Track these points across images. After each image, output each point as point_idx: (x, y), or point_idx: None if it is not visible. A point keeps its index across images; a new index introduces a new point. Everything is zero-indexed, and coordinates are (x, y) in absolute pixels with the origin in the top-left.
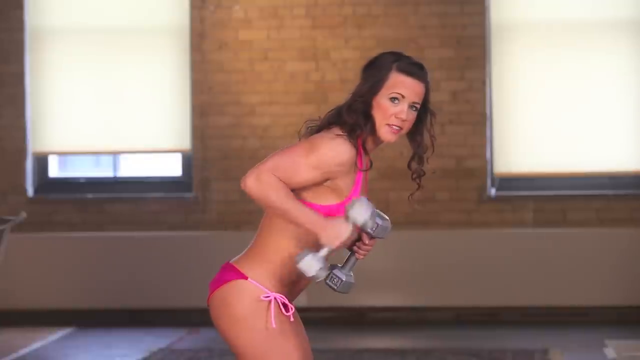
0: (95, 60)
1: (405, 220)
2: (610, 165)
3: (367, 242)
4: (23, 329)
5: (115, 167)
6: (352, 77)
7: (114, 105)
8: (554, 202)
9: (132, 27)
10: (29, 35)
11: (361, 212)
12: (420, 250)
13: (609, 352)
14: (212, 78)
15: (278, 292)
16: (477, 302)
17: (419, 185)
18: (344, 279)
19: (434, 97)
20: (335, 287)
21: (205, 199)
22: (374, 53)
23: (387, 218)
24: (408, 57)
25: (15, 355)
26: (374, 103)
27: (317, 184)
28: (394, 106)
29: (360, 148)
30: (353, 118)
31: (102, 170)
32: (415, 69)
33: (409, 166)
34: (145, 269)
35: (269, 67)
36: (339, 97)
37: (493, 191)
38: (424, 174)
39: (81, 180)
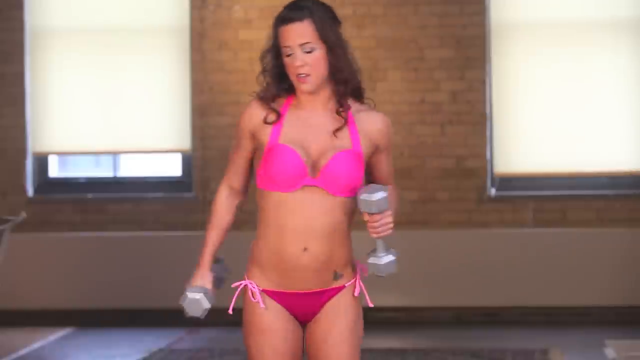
0: (95, 60)
1: (405, 220)
2: (610, 165)
3: (366, 219)
4: (23, 329)
5: (115, 167)
6: None
7: (114, 105)
8: (554, 202)
9: (132, 27)
10: (29, 35)
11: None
12: (420, 250)
13: (609, 352)
14: (212, 78)
15: (266, 279)
16: (477, 302)
17: (343, 118)
18: (381, 263)
19: (434, 97)
20: (381, 274)
21: (205, 199)
22: (374, 53)
23: (372, 192)
24: (286, 6)
25: (15, 355)
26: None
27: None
28: (291, 59)
29: (286, 104)
30: (262, 82)
31: (102, 170)
32: (289, 14)
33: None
34: (145, 269)
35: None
36: None
37: (493, 191)
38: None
39: (81, 180)
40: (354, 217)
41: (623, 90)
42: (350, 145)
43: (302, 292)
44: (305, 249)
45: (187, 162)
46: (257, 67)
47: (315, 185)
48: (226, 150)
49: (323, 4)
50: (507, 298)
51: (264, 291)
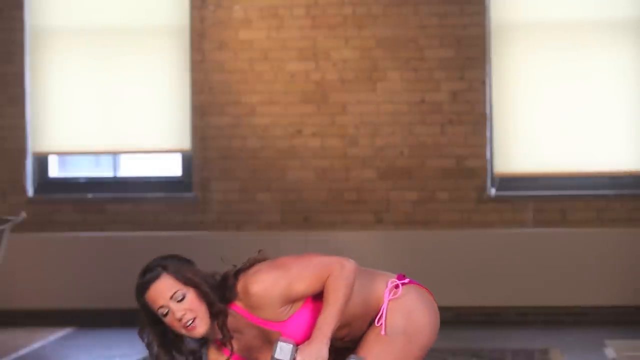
0: (95, 60)
1: (405, 220)
2: (610, 165)
3: None
4: (23, 329)
5: (115, 167)
6: (352, 77)
7: (114, 105)
8: (554, 202)
9: (132, 27)
10: (29, 35)
11: None
12: (420, 250)
13: (609, 352)
14: (212, 78)
15: None
16: (477, 302)
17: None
18: None
19: (434, 97)
20: None
21: (205, 199)
22: (374, 53)
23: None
24: (139, 276)
25: (15, 355)
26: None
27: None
28: (170, 317)
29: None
30: None
31: (102, 170)
32: (144, 279)
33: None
34: None
35: (269, 67)
36: (339, 97)
37: (493, 191)
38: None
39: (81, 180)
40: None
41: (623, 90)
42: (271, 328)
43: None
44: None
45: (187, 162)
46: (257, 67)
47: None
48: (226, 150)
49: (169, 255)
50: (507, 298)
51: None
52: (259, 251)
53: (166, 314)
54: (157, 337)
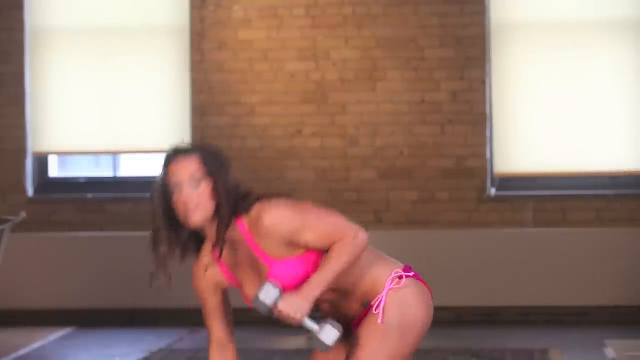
0: (95, 60)
1: (405, 220)
2: (610, 165)
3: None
4: (23, 329)
5: (115, 167)
6: (352, 77)
7: (114, 105)
8: (554, 202)
9: (132, 27)
10: (29, 35)
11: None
12: (420, 250)
13: (609, 352)
14: (212, 78)
15: None
16: (477, 302)
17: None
18: (320, 338)
19: (434, 97)
20: (327, 347)
21: None
22: (374, 53)
23: (256, 297)
24: (173, 148)
25: (15, 355)
26: None
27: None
28: (176, 196)
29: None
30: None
31: (102, 170)
32: (172, 155)
33: (218, 234)
34: (145, 269)
35: (269, 67)
36: (339, 97)
37: (493, 191)
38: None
39: (81, 180)
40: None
41: (623, 90)
42: (262, 259)
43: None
44: (324, 308)
45: None
46: (257, 67)
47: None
48: (226, 150)
49: (211, 145)
50: (507, 298)
51: None
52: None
53: (176, 191)
54: (164, 210)
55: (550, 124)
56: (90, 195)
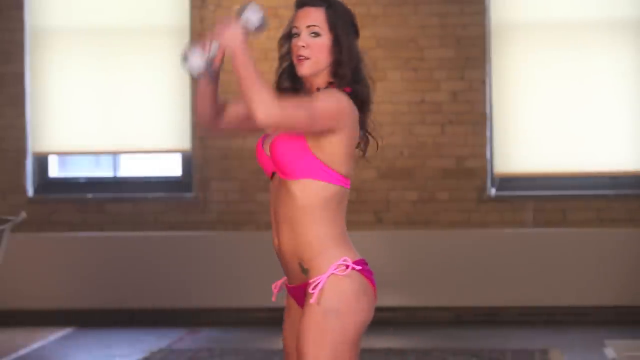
0: (95, 60)
1: (405, 220)
2: (610, 165)
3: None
4: (23, 329)
5: (115, 167)
6: None
7: (114, 105)
8: (554, 202)
9: (132, 27)
10: (29, 35)
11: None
12: (420, 250)
13: (609, 352)
14: None
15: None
16: (477, 302)
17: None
18: (245, 15)
19: (434, 97)
20: (254, 23)
21: (205, 199)
22: (374, 53)
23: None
24: None
25: (15, 355)
26: None
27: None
28: (295, 39)
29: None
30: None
31: (102, 170)
32: (301, 2)
33: (334, 74)
34: (145, 269)
35: (269, 67)
36: None
37: (493, 191)
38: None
39: (81, 180)
40: (334, 207)
41: (623, 90)
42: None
43: (292, 285)
44: (277, 239)
45: (187, 162)
46: (258, 67)
47: (276, 171)
48: (226, 150)
49: (346, 7)
50: (507, 298)
51: (286, 285)
52: None
53: (294, 35)
54: (285, 52)
55: (550, 124)
56: (90, 195)
